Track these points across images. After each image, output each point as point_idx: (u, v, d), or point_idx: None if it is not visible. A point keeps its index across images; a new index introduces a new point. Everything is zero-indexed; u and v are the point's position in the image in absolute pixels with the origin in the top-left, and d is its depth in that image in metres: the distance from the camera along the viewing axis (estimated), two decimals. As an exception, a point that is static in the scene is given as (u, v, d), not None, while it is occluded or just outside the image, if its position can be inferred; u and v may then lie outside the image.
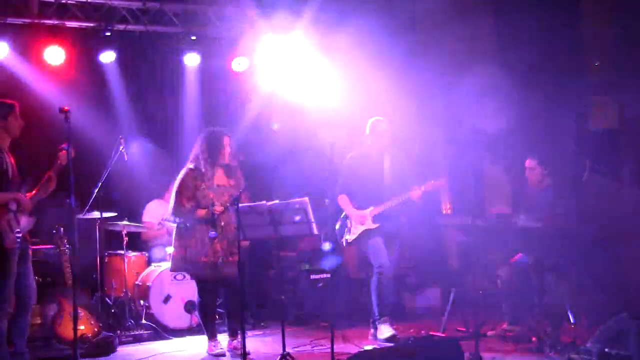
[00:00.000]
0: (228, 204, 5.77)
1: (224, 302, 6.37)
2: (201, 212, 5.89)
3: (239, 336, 6.00)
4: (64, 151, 5.34)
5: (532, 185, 6.54)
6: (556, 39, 7.33)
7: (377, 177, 6.44)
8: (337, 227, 6.64)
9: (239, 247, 5.37)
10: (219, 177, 6.07)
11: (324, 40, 8.18)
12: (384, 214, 6.37)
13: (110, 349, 6.29)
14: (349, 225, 6.51)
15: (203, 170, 5.99)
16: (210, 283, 6.04)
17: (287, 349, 5.41)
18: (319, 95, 8.24)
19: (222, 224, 5.91)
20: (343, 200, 6.53)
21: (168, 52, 8.20)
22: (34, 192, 5.51)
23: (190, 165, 6.06)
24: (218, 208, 5.86)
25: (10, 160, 5.46)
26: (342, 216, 6.60)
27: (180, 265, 6.05)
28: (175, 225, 6.07)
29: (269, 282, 7.80)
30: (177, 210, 5.95)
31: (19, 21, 7.55)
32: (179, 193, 5.98)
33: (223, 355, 6.03)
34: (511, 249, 6.33)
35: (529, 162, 6.52)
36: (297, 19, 8.02)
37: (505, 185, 8.09)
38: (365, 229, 6.40)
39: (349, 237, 6.50)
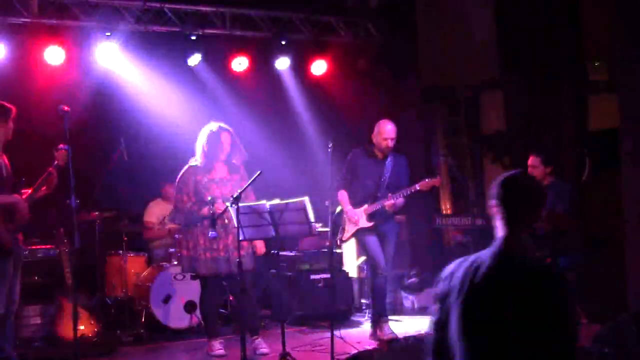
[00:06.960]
0: (231, 199, 5.71)
1: (233, 302, 6.37)
2: (205, 210, 5.88)
3: (259, 335, 6.02)
4: (61, 151, 5.34)
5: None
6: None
7: (377, 177, 6.44)
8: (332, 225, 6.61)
9: (238, 245, 5.37)
10: (220, 171, 6.07)
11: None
12: (378, 213, 6.37)
13: (110, 349, 6.30)
14: (343, 224, 6.51)
15: (202, 165, 6.00)
16: (215, 281, 6.03)
17: (287, 349, 5.40)
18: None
19: (226, 221, 5.89)
20: (342, 196, 6.52)
21: (169, 51, 8.18)
22: (29, 190, 5.48)
23: (191, 162, 6.07)
24: (219, 206, 5.84)
25: (4, 160, 5.44)
26: (336, 214, 6.58)
27: (191, 265, 6.00)
28: (177, 225, 6.06)
29: (269, 282, 7.79)
30: (178, 208, 5.96)
31: (19, 21, 7.55)
32: (179, 190, 5.99)
33: (223, 355, 6.02)
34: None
35: (531, 160, 6.49)
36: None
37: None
38: (359, 228, 6.39)
39: (343, 235, 6.50)
